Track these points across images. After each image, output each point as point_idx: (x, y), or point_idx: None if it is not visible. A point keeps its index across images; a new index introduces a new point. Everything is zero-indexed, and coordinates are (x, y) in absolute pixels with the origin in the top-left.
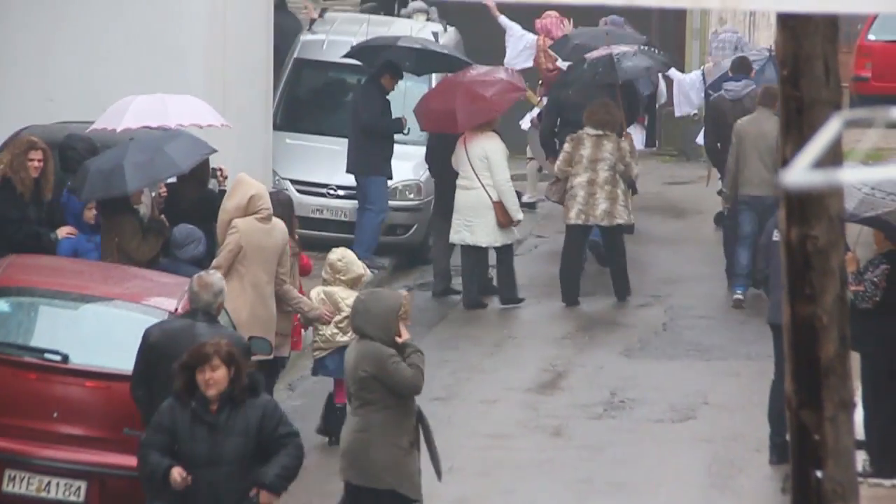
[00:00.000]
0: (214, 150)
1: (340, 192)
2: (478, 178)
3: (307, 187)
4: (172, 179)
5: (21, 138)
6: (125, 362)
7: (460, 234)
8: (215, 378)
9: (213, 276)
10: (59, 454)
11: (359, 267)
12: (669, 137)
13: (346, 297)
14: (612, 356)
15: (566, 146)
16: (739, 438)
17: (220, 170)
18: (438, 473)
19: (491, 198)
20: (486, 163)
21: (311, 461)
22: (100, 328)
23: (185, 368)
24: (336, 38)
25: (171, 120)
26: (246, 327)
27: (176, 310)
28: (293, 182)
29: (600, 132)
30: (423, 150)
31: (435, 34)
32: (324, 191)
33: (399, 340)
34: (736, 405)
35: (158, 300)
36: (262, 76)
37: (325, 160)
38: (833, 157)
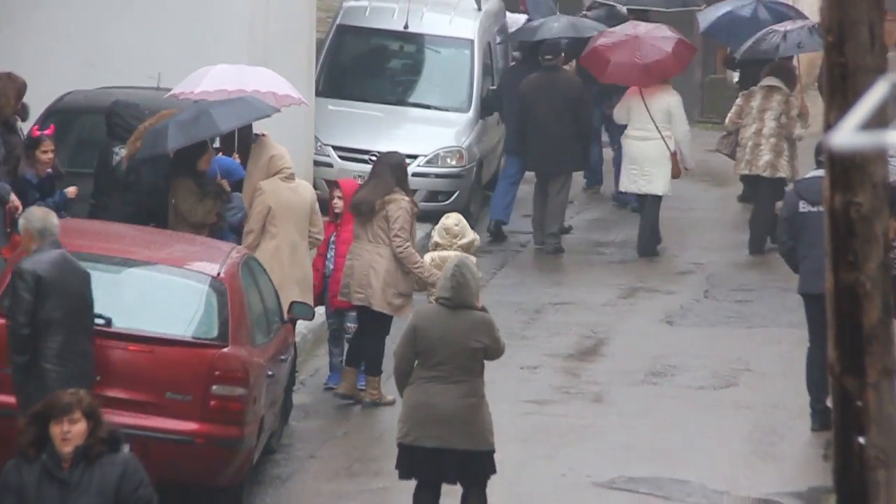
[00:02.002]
0: (268, 115)
1: None
2: (658, 130)
3: (349, 153)
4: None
5: None
6: (168, 326)
7: (637, 183)
8: (74, 432)
9: (30, 210)
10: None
11: (471, 231)
12: (713, 105)
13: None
14: (653, 323)
15: (738, 100)
16: (781, 405)
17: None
18: None
19: (669, 149)
20: (667, 115)
21: (358, 421)
22: (143, 292)
23: (37, 419)
24: (379, 4)
25: (248, 85)
26: (286, 290)
27: (218, 274)
28: (335, 148)
29: (773, 83)
30: (464, 116)
31: (477, 0)
32: (366, 157)
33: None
34: (777, 372)
35: (201, 265)
36: (305, 42)
37: (368, 126)
38: (878, 121)
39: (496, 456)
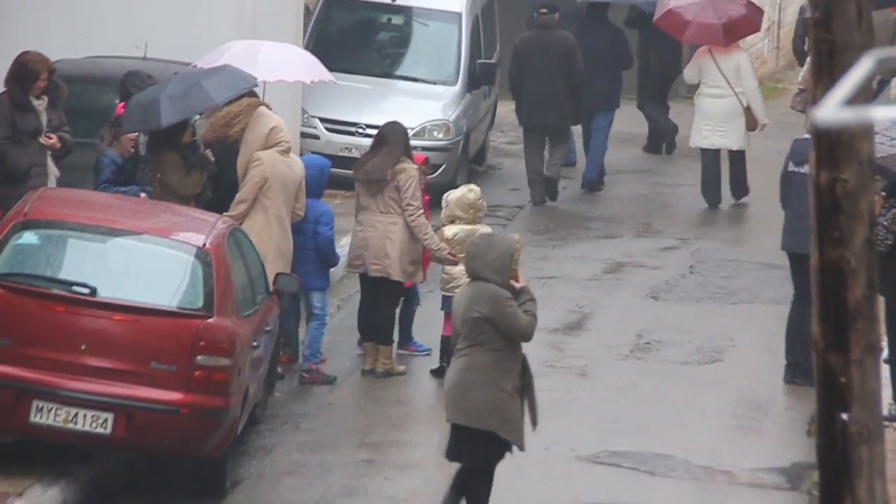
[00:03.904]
0: (255, 85)
1: (369, 131)
2: (730, 87)
3: (336, 125)
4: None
5: None
6: (153, 296)
7: (711, 138)
8: None
9: None
10: (86, 386)
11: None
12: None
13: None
14: (638, 298)
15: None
16: (764, 381)
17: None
18: (534, 422)
19: (741, 104)
20: (737, 72)
21: (342, 393)
22: (128, 262)
23: None
24: None
25: (257, 73)
26: (272, 262)
27: (204, 245)
28: (322, 120)
29: None
30: (451, 90)
31: None
32: (353, 129)
33: (516, 285)
34: (761, 348)
35: (187, 235)
36: (293, 14)
37: (355, 99)
38: (863, 97)
39: None
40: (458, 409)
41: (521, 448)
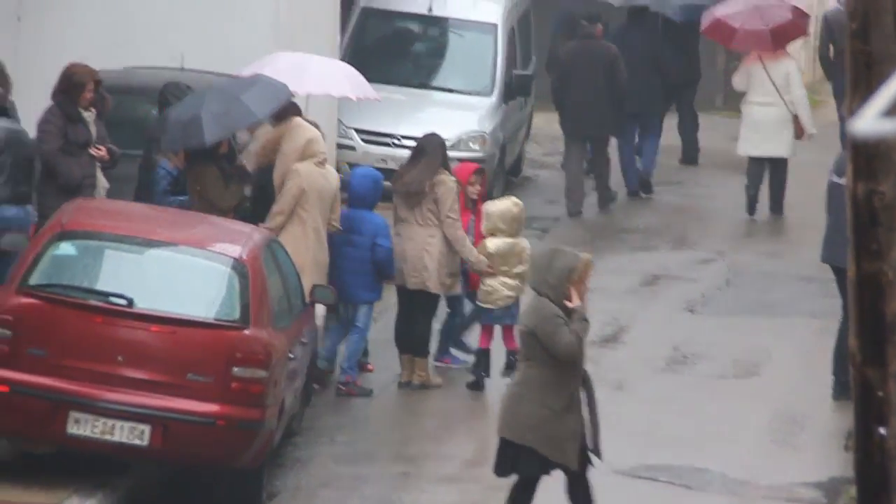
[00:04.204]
0: (292, 96)
1: (405, 142)
2: (780, 96)
3: (373, 136)
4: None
5: None
6: (190, 308)
7: (760, 147)
8: None
9: None
10: (123, 397)
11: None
12: (735, 94)
13: (527, 248)
14: (675, 311)
15: None
16: (801, 395)
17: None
18: (596, 450)
19: (790, 113)
20: (787, 80)
21: (379, 405)
22: (165, 273)
23: None
24: None
25: (305, 86)
26: (308, 273)
27: (241, 256)
28: (358, 131)
29: None
30: (487, 101)
31: None
32: (389, 140)
33: (569, 305)
34: (798, 362)
35: (224, 246)
36: (329, 25)
37: (391, 110)
38: None
39: None
40: (505, 423)
41: (571, 467)
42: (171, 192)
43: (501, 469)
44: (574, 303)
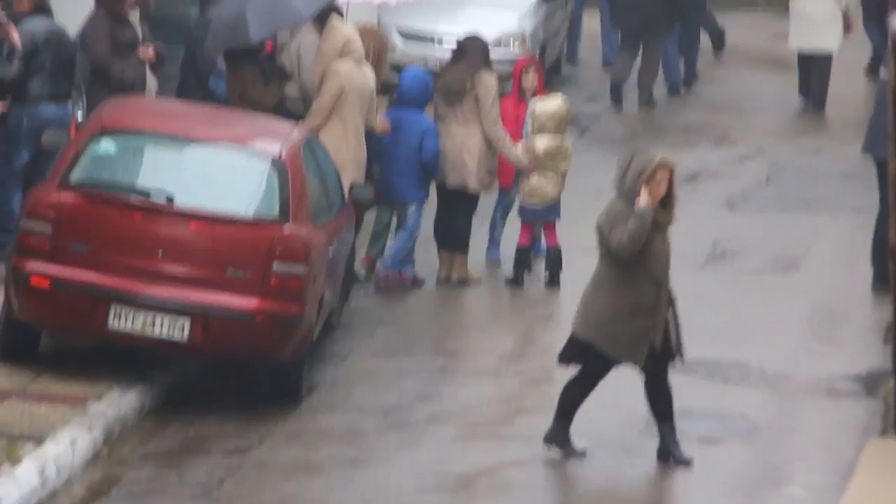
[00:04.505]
0: None
1: (445, 42)
2: None
3: (412, 36)
4: None
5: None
6: (230, 204)
7: (809, 40)
8: None
9: None
10: (163, 292)
11: None
12: None
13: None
14: (714, 208)
15: None
16: (841, 290)
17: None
18: (679, 353)
19: (840, 8)
20: None
21: (417, 300)
22: (205, 170)
23: None
24: None
25: None
26: (348, 171)
27: (280, 154)
28: (398, 29)
29: None
30: (527, 0)
31: None
32: (430, 38)
33: (638, 203)
34: (839, 257)
35: (263, 144)
36: None
37: (431, 8)
38: None
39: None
40: (576, 317)
41: (637, 364)
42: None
43: (564, 357)
44: (641, 202)
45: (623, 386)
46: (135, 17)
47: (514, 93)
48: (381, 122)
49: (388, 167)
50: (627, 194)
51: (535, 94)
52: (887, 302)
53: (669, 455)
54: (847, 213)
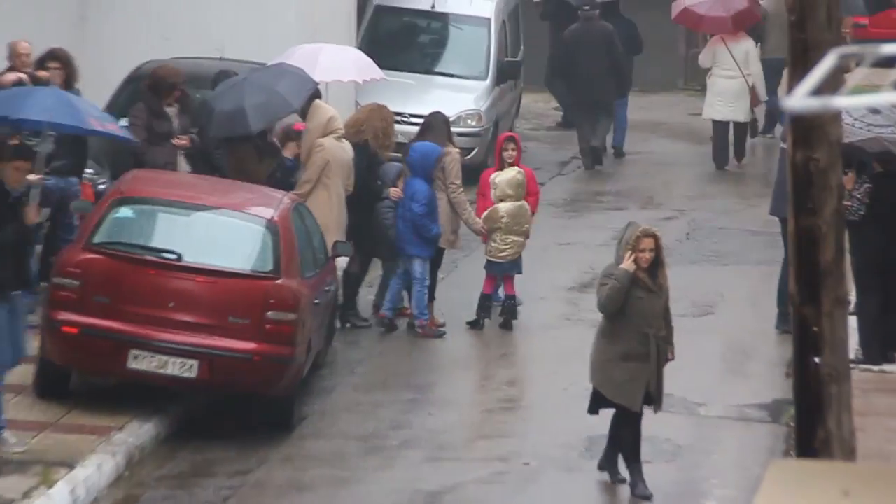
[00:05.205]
0: (317, 86)
1: (413, 119)
2: (740, 70)
3: None
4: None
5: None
6: (230, 261)
7: (723, 112)
8: None
9: None
10: (175, 337)
11: None
12: (694, 74)
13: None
14: None
15: None
16: (750, 331)
17: None
18: (657, 403)
19: (748, 85)
20: (746, 57)
21: (391, 342)
22: (208, 232)
23: None
24: None
25: (317, 75)
26: (332, 231)
27: (273, 217)
28: None
29: None
30: (482, 84)
31: None
32: (399, 118)
33: (620, 266)
34: (748, 303)
35: (258, 209)
36: (346, 21)
37: (400, 92)
38: (830, 86)
39: (504, 373)
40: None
41: (633, 409)
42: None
43: (589, 407)
44: (624, 265)
45: (564, 412)
46: (173, 110)
47: (497, 164)
48: (394, 192)
49: (397, 226)
50: (618, 260)
51: (514, 165)
52: (787, 341)
53: (615, 476)
54: (754, 265)
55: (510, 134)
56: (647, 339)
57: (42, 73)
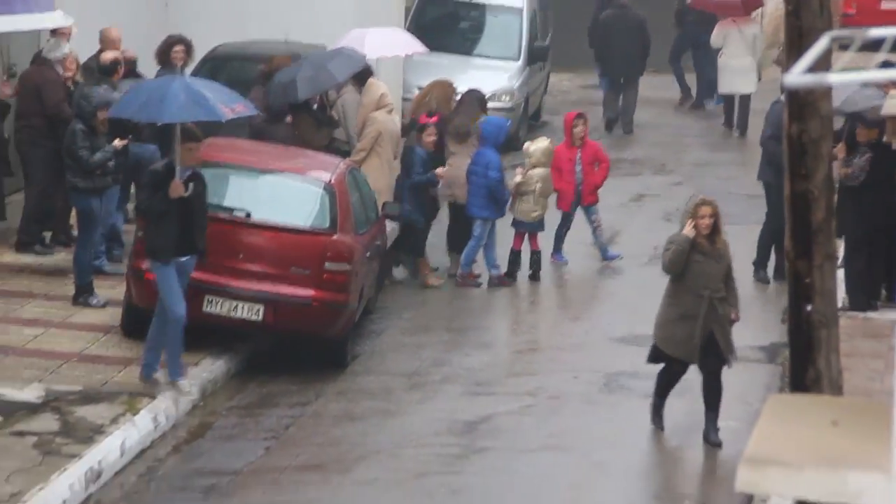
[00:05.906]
0: (367, 65)
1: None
2: (748, 51)
3: None
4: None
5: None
6: (293, 219)
7: (734, 85)
8: None
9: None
10: (244, 285)
11: None
12: None
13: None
14: (655, 220)
15: None
16: (750, 282)
17: None
18: (728, 357)
19: (755, 62)
20: (754, 40)
21: (434, 291)
22: (274, 193)
23: None
24: None
25: (366, 51)
26: (383, 194)
27: (330, 180)
28: (419, 88)
29: None
30: (514, 64)
31: None
32: None
33: (683, 232)
34: (749, 258)
35: (317, 173)
36: (396, 9)
37: (444, 71)
38: (822, 65)
39: (522, 339)
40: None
41: (691, 361)
42: (423, 171)
43: (650, 356)
44: (685, 231)
45: (585, 352)
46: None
47: (567, 139)
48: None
49: (468, 190)
50: (680, 224)
51: (583, 141)
52: (784, 290)
53: (708, 435)
54: (752, 224)
55: (579, 112)
56: (701, 300)
57: (130, 54)
